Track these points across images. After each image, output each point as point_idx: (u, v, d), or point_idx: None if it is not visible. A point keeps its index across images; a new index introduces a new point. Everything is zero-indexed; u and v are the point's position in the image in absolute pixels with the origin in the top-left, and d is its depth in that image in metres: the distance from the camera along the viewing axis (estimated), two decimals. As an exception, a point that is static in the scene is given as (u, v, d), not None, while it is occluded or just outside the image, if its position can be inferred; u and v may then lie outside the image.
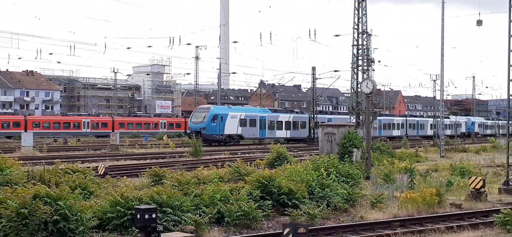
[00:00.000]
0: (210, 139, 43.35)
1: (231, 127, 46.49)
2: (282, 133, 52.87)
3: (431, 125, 68.64)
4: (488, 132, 78.54)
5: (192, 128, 46.00)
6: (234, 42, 62.88)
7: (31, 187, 9.94)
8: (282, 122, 53.63)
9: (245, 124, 48.37)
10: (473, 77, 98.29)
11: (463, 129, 72.50)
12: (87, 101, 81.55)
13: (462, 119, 76.45)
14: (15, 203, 9.39)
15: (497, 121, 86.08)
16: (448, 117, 74.56)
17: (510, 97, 16.57)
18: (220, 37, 67.27)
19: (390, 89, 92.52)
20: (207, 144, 41.58)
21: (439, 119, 43.86)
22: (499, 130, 78.12)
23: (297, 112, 61.55)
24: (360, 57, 28.60)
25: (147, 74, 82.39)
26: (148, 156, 30.54)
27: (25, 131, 46.53)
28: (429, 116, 76.74)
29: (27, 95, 78.65)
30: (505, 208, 11.57)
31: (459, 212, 13.05)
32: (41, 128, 53.83)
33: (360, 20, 27.99)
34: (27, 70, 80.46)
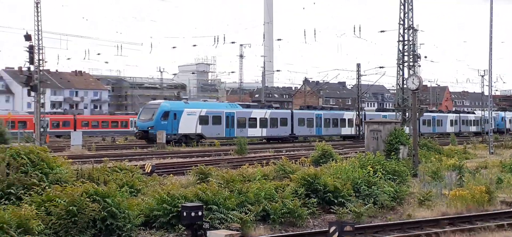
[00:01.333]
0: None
1: (188, 125, 41.53)
2: (256, 131, 48.00)
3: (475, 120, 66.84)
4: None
5: (139, 126, 41.56)
6: (278, 40, 63.52)
7: (80, 185, 10.30)
8: (256, 118, 48.38)
9: (207, 121, 43.40)
10: None
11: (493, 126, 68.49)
12: (134, 100, 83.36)
13: (470, 116, 71.74)
14: (65, 201, 9.77)
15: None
16: (474, 113, 73.18)
17: None
18: (264, 35, 68.41)
19: (437, 85, 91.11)
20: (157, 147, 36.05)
21: (487, 115, 41.84)
22: None
23: (276, 108, 56.64)
24: (406, 53, 27.97)
25: (192, 73, 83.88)
26: (194, 154, 31.18)
27: (74, 130, 47.67)
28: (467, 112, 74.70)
29: (76, 95, 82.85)
30: None
31: (510, 210, 12.73)
32: (89, 127, 55.80)
33: (406, 15, 27.60)
34: (76, 70, 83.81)
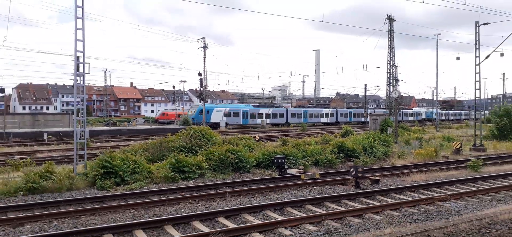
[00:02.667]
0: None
1: (217, 117, 61.95)
2: (263, 121, 68.44)
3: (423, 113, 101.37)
4: (442, 118, 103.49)
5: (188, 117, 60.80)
6: (323, 72, 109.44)
7: (225, 145, 19.45)
8: (262, 113, 70.28)
9: (230, 115, 64.23)
10: (455, 87, 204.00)
11: (423, 116, 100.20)
12: (250, 104, 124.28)
13: (422, 110, 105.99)
14: (218, 153, 18.74)
15: (449, 111, 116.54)
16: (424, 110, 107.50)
17: (469, 101, 28.11)
18: (315, 70, 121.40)
19: (407, 95, 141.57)
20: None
21: (435, 110, 73.46)
22: (450, 117, 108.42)
23: (277, 107, 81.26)
24: (391, 78, 46.02)
25: (278, 90, 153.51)
26: (280, 131, 54.23)
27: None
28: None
29: (222, 102, 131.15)
30: (473, 158, 20.52)
31: (447, 161, 21.79)
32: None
33: (391, 59, 45.80)
34: (222, 90, 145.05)
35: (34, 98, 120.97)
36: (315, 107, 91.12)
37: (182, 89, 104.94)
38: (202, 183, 15.63)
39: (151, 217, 10.68)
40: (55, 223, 10.19)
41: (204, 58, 60.64)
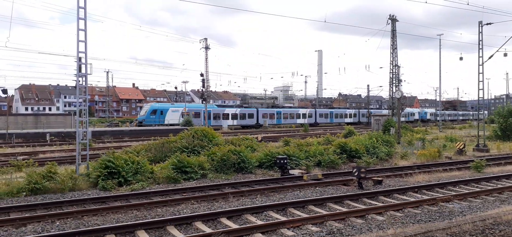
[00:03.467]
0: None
1: (173, 118, 57.20)
2: (229, 122, 64.28)
3: (418, 113, 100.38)
4: (438, 118, 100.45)
5: (138, 119, 57.16)
6: (325, 73, 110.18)
7: (227, 146, 19.48)
8: (228, 114, 65.06)
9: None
10: (458, 88, 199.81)
11: (416, 117, 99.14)
12: (252, 104, 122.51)
13: (415, 110, 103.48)
14: (220, 154, 18.73)
15: (445, 111, 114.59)
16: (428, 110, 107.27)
17: (470, 101, 27.76)
18: (317, 71, 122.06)
19: (410, 95, 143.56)
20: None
21: (439, 111, 75.07)
22: (447, 117, 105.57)
23: (246, 107, 76.59)
24: (394, 79, 45.64)
25: (281, 91, 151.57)
26: (282, 131, 54.36)
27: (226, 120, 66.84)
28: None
29: (224, 102, 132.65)
30: (476, 159, 20.43)
31: (450, 161, 21.75)
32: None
33: (393, 59, 45.69)
34: (224, 90, 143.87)
35: (36, 99, 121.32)
36: (290, 107, 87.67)
37: (184, 90, 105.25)
38: (204, 184, 15.60)
39: (153, 218, 10.67)
40: (58, 223, 10.19)
41: (206, 59, 60.69)
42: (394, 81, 47.07)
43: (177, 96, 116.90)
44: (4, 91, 58.73)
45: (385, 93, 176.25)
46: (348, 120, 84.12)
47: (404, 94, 49.86)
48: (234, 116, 66.04)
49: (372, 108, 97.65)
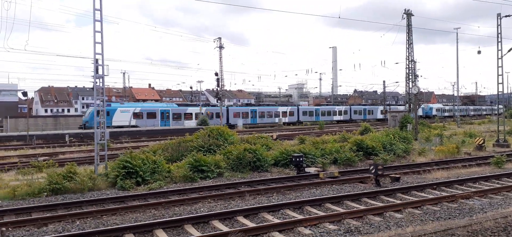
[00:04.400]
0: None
1: (122, 119, 50.17)
2: (193, 123, 56.62)
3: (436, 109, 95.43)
4: (446, 114, 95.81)
5: (83, 120, 50.69)
6: (340, 69, 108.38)
7: (243, 145, 19.51)
8: (192, 113, 58.39)
9: (142, 116, 52.88)
10: (476, 82, 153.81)
11: (419, 113, 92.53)
12: (266, 102, 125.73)
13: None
14: (236, 153, 18.72)
15: (454, 106, 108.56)
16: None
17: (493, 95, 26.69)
18: (332, 68, 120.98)
19: (427, 91, 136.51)
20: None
21: (456, 106, 68.61)
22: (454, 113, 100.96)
23: (212, 106, 68.01)
24: (410, 74, 44.99)
25: (295, 88, 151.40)
26: (297, 129, 52.20)
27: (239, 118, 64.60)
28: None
29: (239, 101, 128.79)
30: (497, 154, 19.98)
31: (469, 158, 21.32)
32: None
33: (409, 54, 45.29)
34: (239, 89, 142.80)
35: (55, 101, 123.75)
36: (268, 105, 77.20)
37: (199, 90, 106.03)
38: (221, 182, 15.67)
39: (171, 217, 10.77)
40: (78, 223, 10.38)
41: (221, 58, 60.69)
42: (410, 77, 46.44)
43: (192, 95, 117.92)
44: (24, 93, 60.06)
45: (401, 89, 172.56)
46: (368, 116, 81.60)
47: (421, 90, 49.19)
48: (199, 117, 57.97)
49: (388, 104, 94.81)
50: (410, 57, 46.63)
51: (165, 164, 16.87)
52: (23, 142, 38.21)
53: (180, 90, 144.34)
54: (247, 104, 74.06)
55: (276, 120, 67.72)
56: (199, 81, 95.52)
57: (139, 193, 13.74)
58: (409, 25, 47.20)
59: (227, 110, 62.70)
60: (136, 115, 52.59)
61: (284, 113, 68.89)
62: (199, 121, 56.02)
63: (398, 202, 12.02)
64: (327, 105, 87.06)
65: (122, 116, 50.39)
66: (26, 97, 59.77)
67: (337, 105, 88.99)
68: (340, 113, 78.29)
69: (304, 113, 72.79)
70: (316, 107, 77.97)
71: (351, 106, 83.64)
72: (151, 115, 53.66)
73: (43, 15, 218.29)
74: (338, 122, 74.06)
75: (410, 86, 43.83)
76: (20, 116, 63.07)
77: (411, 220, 10.17)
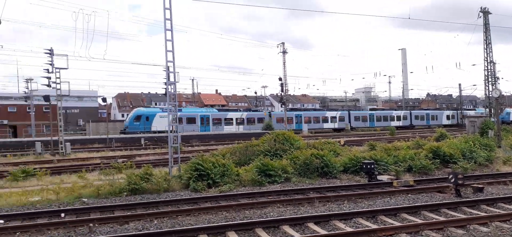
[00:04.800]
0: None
1: (161, 125, 47.91)
2: (233, 128, 55.27)
3: None
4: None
5: (125, 125, 51.32)
6: (411, 72, 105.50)
7: (309, 150, 19.30)
8: (232, 118, 56.46)
9: (181, 121, 50.31)
10: None
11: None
12: (332, 107, 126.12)
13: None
14: (302, 158, 18.46)
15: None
16: None
17: None
18: (402, 70, 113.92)
19: (510, 94, 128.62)
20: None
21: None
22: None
23: (253, 111, 64.90)
24: (489, 76, 42.44)
25: (362, 92, 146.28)
26: (366, 134, 51.87)
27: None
28: None
29: (303, 106, 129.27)
30: None
31: None
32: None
33: (488, 55, 42.74)
34: (302, 93, 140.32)
35: (131, 106, 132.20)
36: (314, 110, 74.33)
37: (263, 95, 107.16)
38: (289, 187, 15.62)
39: (242, 219, 10.91)
40: (155, 222, 10.90)
41: (284, 63, 60.81)
42: (489, 79, 42.95)
43: (257, 101, 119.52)
44: (104, 99, 64.84)
45: (479, 93, 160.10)
46: (446, 121, 75.73)
47: (502, 93, 45.16)
48: (240, 122, 56.59)
49: (465, 109, 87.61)
50: (488, 58, 43.13)
51: (233, 167, 17.18)
52: (103, 144, 41.21)
53: (245, 96, 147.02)
54: (291, 109, 69.38)
55: (324, 125, 64.41)
56: (263, 86, 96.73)
57: (211, 195, 14.12)
58: (486, 24, 43.66)
59: (270, 115, 61.30)
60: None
61: (333, 118, 65.02)
62: (264, 126, 56.53)
63: (483, 214, 11.09)
64: (382, 110, 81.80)
65: (162, 122, 48.86)
66: (105, 103, 64.43)
67: (395, 109, 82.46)
68: (398, 118, 72.49)
69: (356, 118, 68.51)
70: (370, 112, 73.27)
71: (412, 111, 77.66)
72: (191, 120, 52.99)
73: (118, 26, 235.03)
74: (397, 128, 67.49)
75: (490, 89, 40.52)
76: (100, 121, 68.26)
77: (500, 235, 9.32)
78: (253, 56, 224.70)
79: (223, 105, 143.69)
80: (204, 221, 10.93)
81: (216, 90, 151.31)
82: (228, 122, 56.25)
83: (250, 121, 58.16)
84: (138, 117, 49.94)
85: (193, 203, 13.24)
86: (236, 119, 57.03)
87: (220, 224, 10.13)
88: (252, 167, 17.43)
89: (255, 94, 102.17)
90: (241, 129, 55.51)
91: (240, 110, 62.01)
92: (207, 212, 11.83)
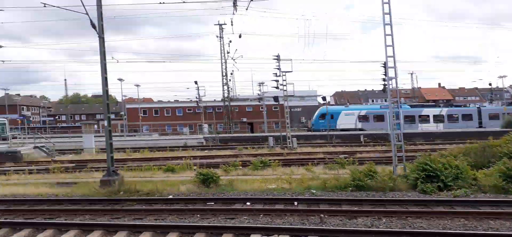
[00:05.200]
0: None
1: (347, 122, 49.43)
2: (431, 127, 49.52)
3: None
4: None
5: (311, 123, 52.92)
6: None
7: None
8: (428, 115, 50.92)
9: (368, 119, 50.42)
10: None
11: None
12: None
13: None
14: None
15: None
16: None
17: None
18: None
19: None
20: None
21: None
22: None
23: (456, 106, 56.95)
24: None
25: None
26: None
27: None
28: None
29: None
30: None
31: None
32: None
33: None
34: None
35: (348, 104, 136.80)
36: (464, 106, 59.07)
37: (501, 86, 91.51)
38: (548, 198, 12.74)
39: (486, 230, 9.53)
40: (384, 220, 10.69)
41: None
42: None
43: (492, 93, 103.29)
44: (324, 98, 68.58)
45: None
46: None
47: None
48: (439, 118, 49.99)
49: None
50: None
51: (469, 170, 15.26)
52: (324, 140, 43.49)
53: (476, 88, 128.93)
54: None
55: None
56: (501, 77, 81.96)
57: (443, 198, 12.93)
58: None
59: (479, 111, 52.85)
60: (362, 118, 50.65)
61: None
62: (504, 123, 48.59)
63: None
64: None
65: (347, 119, 50.06)
66: (324, 102, 67.91)
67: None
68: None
69: None
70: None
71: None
72: (379, 118, 49.92)
73: (333, 27, 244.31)
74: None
75: None
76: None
77: None
78: (484, 43, 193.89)
79: (447, 100, 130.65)
80: (438, 226, 10.05)
81: (439, 84, 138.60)
82: (424, 119, 51.00)
83: (451, 118, 51.37)
84: (322, 116, 51.31)
85: (422, 205, 12.39)
86: (434, 116, 51.15)
87: (459, 232, 9.12)
88: (494, 171, 15.06)
89: (489, 86, 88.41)
90: (440, 127, 49.63)
91: (439, 106, 56.22)
92: (440, 217, 10.83)
